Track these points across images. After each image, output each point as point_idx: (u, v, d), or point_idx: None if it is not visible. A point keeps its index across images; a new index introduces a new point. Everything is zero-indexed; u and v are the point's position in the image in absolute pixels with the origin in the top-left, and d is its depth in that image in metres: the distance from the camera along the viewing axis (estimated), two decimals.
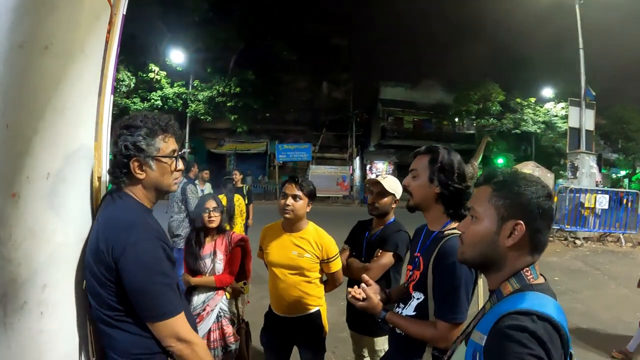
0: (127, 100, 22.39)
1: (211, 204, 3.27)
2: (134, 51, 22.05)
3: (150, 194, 1.65)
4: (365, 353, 3.24)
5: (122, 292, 1.44)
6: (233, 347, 3.10)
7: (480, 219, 1.26)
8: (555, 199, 11.56)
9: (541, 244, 1.22)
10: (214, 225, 3.26)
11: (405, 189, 2.11)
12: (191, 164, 8.07)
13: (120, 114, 22.63)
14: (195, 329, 1.66)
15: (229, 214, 6.36)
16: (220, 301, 3.15)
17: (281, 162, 26.95)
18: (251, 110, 25.47)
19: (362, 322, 2.94)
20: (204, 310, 3.07)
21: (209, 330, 3.05)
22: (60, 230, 1.47)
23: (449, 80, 29.48)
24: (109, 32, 1.79)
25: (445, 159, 1.98)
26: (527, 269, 1.21)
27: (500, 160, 25.81)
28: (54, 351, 1.43)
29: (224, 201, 6.40)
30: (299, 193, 2.72)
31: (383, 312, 1.96)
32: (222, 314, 3.14)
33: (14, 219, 1.35)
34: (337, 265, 2.84)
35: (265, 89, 25.81)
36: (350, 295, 2.04)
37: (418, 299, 1.95)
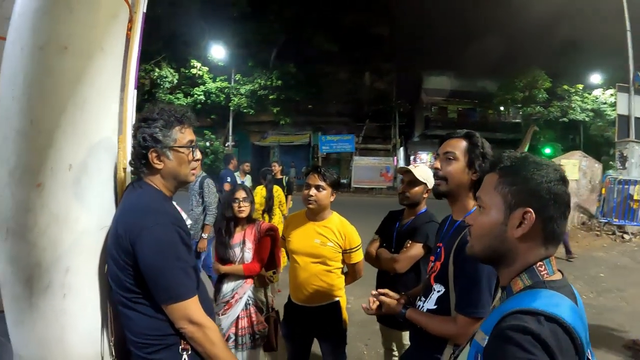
0: (170, 96, 23.25)
1: (241, 194, 3.34)
2: (176, 48, 22.79)
3: (169, 183, 1.71)
4: (394, 347, 3.23)
5: (139, 275, 1.51)
6: (261, 334, 3.16)
7: (487, 208, 1.16)
8: (604, 190, 10.99)
9: (556, 234, 1.09)
10: (243, 215, 3.32)
11: (436, 174, 1.99)
12: (231, 157, 8.29)
13: None
14: (212, 314, 1.72)
15: (268, 205, 6.53)
16: (248, 289, 3.22)
17: (325, 153, 27.02)
18: (293, 103, 25.70)
19: (390, 316, 2.92)
20: (232, 297, 3.15)
21: (237, 318, 3.12)
22: (82, 217, 1.58)
23: (493, 68, 28.36)
24: (130, 30, 1.88)
25: (484, 145, 1.92)
26: (541, 263, 1.09)
27: (547, 150, 24.60)
28: (75, 330, 1.54)
29: (264, 192, 6.55)
30: (322, 183, 2.74)
31: (402, 310, 1.92)
32: (250, 301, 3.20)
33: (39, 207, 1.48)
34: (358, 257, 2.84)
35: (307, 81, 25.97)
36: (370, 311, 2.07)
37: (439, 291, 1.89)
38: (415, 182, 2.84)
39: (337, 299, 2.85)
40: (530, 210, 1.05)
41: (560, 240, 1.12)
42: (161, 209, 1.60)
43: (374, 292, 2.09)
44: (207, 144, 24.07)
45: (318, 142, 27.01)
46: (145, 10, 1.98)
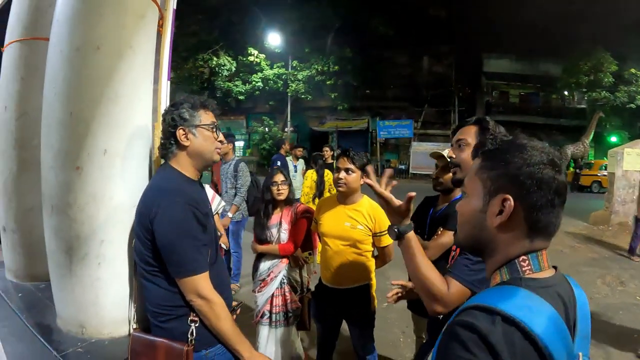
0: (229, 84, 24.01)
1: (279, 177, 3.44)
2: (233, 37, 23.47)
3: (195, 162, 1.82)
4: (424, 335, 3.26)
5: (157, 250, 1.65)
6: (294, 313, 3.30)
7: (469, 195, 1.07)
8: None
9: (542, 225, 0.96)
10: (282, 197, 3.43)
11: (450, 161, 1.94)
12: (282, 142, 8.52)
13: (223, 96, 24.34)
14: (226, 291, 1.85)
15: (319, 189, 6.67)
16: (284, 269, 3.35)
17: (383, 138, 26.78)
18: (351, 88, 25.61)
19: (420, 304, 2.92)
20: (268, 276, 3.32)
21: (272, 296, 3.28)
22: (116, 196, 1.79)
23: (556, 50, 26.35)
24: (161, 26, 2.05)
25: (496, 129, 1.86)
26: (524, 257, 0.97)
27: (613, 139, 22.61)
28: (107, 296, 1.77)
29: (314, 177, 6.70)
30: (352, 166, 2.79)
31: (409, 227, 1.61)
32: (285, 281, 3.34)
33: (78, 187, 1.71)
34: (388, 240, 2.85)
35: (364, 65, 25.77)
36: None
37: None
38: (449, 167, 2.83)
39: (366, 282, 2.90)
40: (509, 197, 0.95)
41: (549, 231, 0.98)
42: (179, 189, 1.71)
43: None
44: (266, 129, 24.64)
45: (376, 128, 26.80)
46: (175, 7, 2.14)
